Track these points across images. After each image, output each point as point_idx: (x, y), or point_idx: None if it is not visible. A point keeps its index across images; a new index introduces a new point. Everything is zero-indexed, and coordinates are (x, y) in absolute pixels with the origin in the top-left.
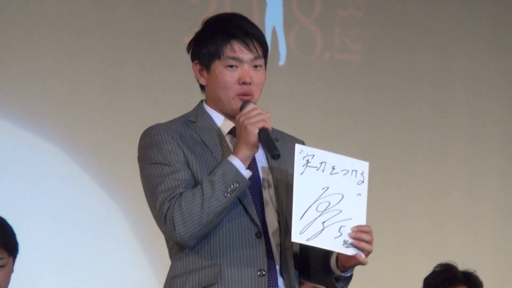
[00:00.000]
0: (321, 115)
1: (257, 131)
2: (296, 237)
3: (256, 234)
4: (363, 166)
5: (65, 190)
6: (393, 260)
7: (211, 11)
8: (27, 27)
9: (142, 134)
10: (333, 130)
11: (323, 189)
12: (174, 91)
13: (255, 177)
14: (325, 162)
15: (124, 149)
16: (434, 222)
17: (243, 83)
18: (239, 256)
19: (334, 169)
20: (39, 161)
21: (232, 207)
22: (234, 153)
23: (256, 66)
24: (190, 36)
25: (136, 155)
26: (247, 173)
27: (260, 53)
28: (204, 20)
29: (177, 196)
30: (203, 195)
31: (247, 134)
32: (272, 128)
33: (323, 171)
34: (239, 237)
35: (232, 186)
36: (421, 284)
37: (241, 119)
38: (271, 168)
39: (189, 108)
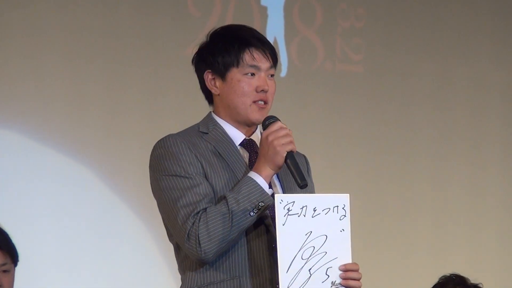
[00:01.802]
0: (323, 125)
1: (285, 153)
2: None
3: (274, 248)
4: (344, 199)
5: (70, 192)
6: (396, 261)
7: (212, 23)
8: (30, 31)
9: (156, 144)
10: (335, 140)
11: (306, 234)
12: (175, 99)
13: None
14: (306, 206)
15: (127, 149)
16: (437, 224)
17: (262, 90)
18: (258, 269)
19: (315, 211)
20: (43, 164)
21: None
22: (257, 171)
23: (270, 75)
24: (193, 47)
25: (139, 153)
26: (270, 192)
27: (273, 63)
28: (211, 32)
29: (201, 211)
30: (230, 212)
31: (276, 154)
32: None
33: (304, 216)
34: (258, 250)
35: (258, 205)
36: (424, 284)
37: (269, 138)
38: (282, 182)
39: (189, 115)
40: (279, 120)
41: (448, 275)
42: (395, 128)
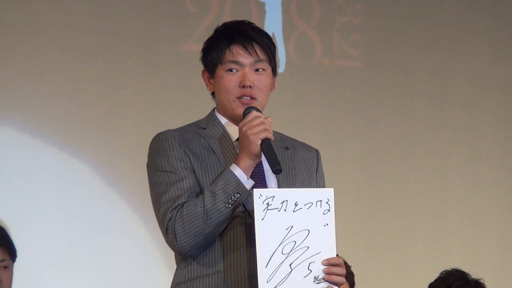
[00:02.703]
0: (321, 121)
1: (259, 141)
2: (264, 287)
3: (252, 240)
4: (328, 193)
5: (70, 189)
6: (394, 256)
7: (210, 19)
8: (28, 29)
9: (152, 139)
10: (333, 136)
11: (287, 229)
12: (173, 96)
13: (261, 186)
14: (287, 201)
15: (126, 146)
16: (436, 220)
17: (243, 86)
18: (243, 262)
19: (296, 205)
20: (42, 161)
21: (237, 215)
22: (236, 162)
23: (258, 70)
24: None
25: (138, 150)
26: (249, 183)
27: (263, 57)
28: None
29: (179, 206)
30: (204, 206)
31: (249, 144)
32: (283, 135)
33: (285, 210)
34: (243, 245)
35: (233, 197)
36: (422, 284)
37: (243, 128)
38: (278, 176)
39: (186, 111)
40: (256, 110)
41: (450, 269)
42: (393, 123)
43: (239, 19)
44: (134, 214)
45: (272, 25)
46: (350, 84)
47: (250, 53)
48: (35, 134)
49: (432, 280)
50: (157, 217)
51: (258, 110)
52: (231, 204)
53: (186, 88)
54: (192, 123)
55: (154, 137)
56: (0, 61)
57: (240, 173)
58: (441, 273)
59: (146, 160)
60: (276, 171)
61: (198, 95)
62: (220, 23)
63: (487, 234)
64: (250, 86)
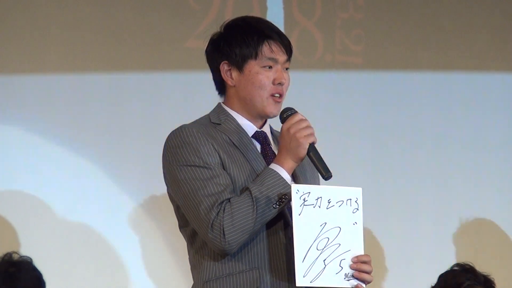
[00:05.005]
0: (323, 117)
1: (307, 145)
2: (300, 281)
3: (291, 240)
4: (357, 192)
5: (74, 188)
6: (397, 258)
7: (212, 16)
8: (29, 30)
9: (170, 135)
10: (335, 132)
11: (321, 225)
12: (175, 91)
13: None
14: (321, 197)
15: (130, 143)
16: (439, 219)
17: (279, 83)
18: (277, 261)
19: (329, 202)
20: (43, 162)
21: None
22: (280, 163)
23: (285, 68)
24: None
25: (141, 148)
26: (291, 184)
27: (289, 56)
28: (227, 23)
29: (225, 202)
30: (254, 204)
31: (298, 147)
32: (277, 131)
33: (319, 207)
34: (278, 243)
35: (282, 198)
36: (427, 281)
37: (291, 130)
38: (295, 175)
39: (189, 107)
40: (298, 112)
41: (462, 263)
42: (396, 119)
43: (241, 15)
44: (140, 209)
45: (274, 21)
46: (353, 80)
47: (285, 51)
48: (36, 132)
49: (433, 280)
50: (193, 213)
51: (298, 112)
52: (279, 205)
53: (188, 84)
54: (201, 118)
55: (174, 132)
56: (0, 61)
57: (286, 175)
58: (453, 266)
59: (149, 156)
60: (327, 178)
61: (200, 91)
62: (222, 20)
63: (491, 231)
64: (282, 84)
